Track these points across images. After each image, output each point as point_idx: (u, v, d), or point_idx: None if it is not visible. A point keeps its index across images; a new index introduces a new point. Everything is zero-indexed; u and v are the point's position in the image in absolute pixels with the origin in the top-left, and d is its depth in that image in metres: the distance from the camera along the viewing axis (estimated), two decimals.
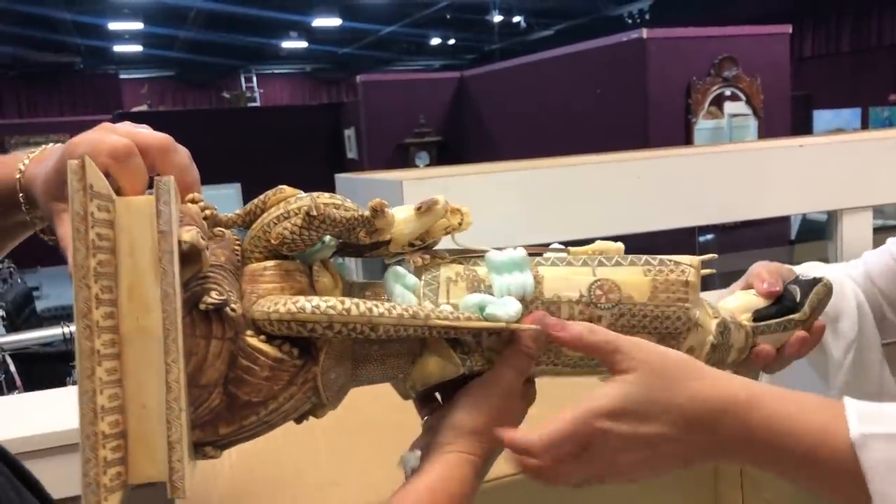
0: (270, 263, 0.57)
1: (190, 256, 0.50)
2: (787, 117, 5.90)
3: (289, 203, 0.58)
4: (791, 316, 0.72)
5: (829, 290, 0.74)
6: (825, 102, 11.46)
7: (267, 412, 0.55)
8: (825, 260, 1.97)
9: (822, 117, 11.33)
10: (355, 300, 0.55)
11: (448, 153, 8.06)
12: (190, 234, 0.49)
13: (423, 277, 0.63)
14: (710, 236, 4.24)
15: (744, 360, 0.71)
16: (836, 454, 0.52)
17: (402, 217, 0.64)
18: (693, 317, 0.64)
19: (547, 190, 1.42)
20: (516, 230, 1.37)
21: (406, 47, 16.30)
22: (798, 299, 0.73)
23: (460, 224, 0.66)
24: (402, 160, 7.95)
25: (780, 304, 0.74)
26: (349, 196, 0.62)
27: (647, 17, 12.57)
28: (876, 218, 3.08)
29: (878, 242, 2.48)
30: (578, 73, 6.24)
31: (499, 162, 1.97)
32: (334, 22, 13.39)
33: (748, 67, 5.65)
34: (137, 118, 0.50)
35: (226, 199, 10.56)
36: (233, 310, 0.51)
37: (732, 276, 0.83)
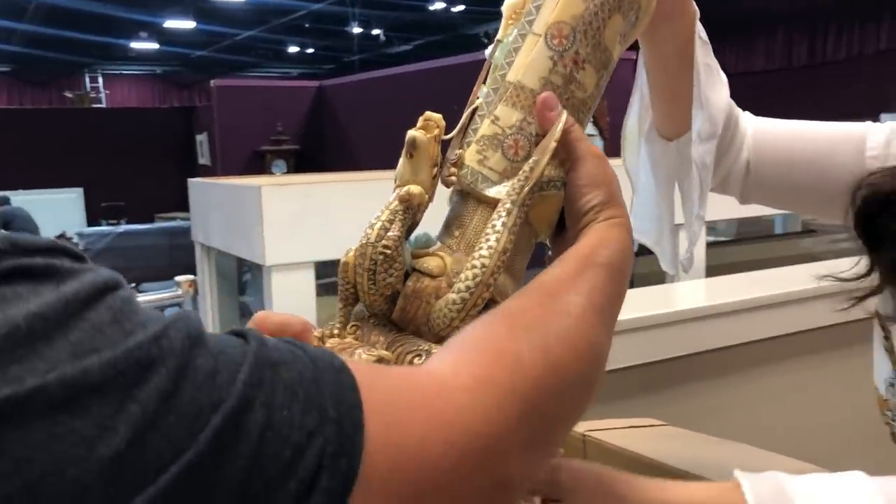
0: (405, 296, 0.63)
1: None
2: None
3: (366, 265, 0.63)
4: None
5: None
6: None
7: None
8: (661, 273, 2.09)
9: None
10: (469, 263, 0.61)
11: (306, 162, 7.95)
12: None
13: (469, 181, 0.66)
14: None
15: None
16: None
17: (408, 174, 0.65)
18: None
19: None
20: None
21: (263, 53, 16.01)
22: None
23: (439, 128, 0.66)
24: (258, 168, 7.78)
25: None
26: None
27: None
28: (709, 235, 3.32)
29: (711, 257, 2.65)
30: (435, 88, 6.34)
31: (361, 171, 1.99)
32: (188, 24, 12.97)
33: None
34: None
35: (67, 204, 9.96)
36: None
37: None
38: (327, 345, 0.63)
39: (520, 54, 0.66)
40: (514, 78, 0.66)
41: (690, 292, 1.79)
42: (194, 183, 2.18)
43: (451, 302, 0.61)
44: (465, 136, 0.67)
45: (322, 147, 8.04)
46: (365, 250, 0.62)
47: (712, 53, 0.88)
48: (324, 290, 2.35)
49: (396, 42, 14.53)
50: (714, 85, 0.89)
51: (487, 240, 0.61)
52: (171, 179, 8.78)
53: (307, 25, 13.07)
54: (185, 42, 14.78)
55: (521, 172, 0.63)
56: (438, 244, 0.66)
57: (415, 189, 0.64)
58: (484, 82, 0.69)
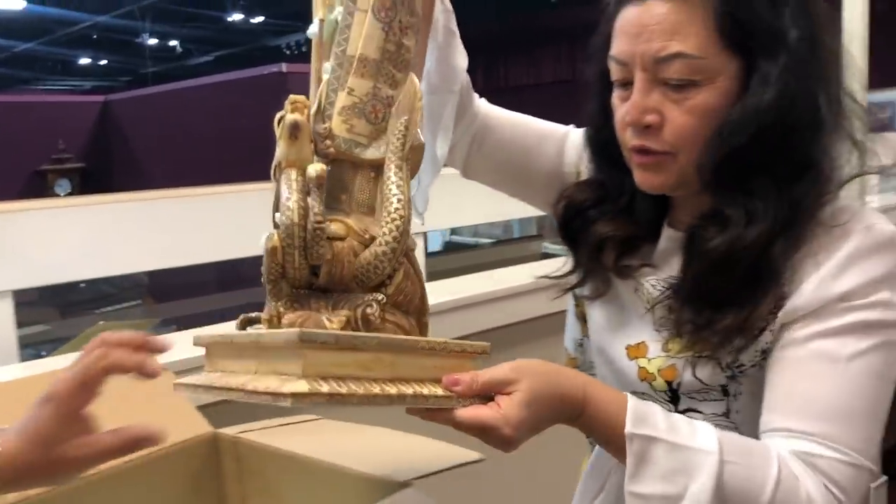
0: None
1: None
2: None
3: (296, 244, 0.69)
4: None
5: None
6: None
7: None
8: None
9: None
10: (387, 218, 0.70)
11: (93, 180, 7.61)
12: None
13: (344, 148, 0.73)
14: None
15: None
16: (621, 441, 0.76)
17: (293, 155, 0.71)
18: None
19: (114, 223, 1.47)
20: (84, 263, 1.40)
21: (51, 66, 15.05)
22: None
23: (307, 107, 0.73)
24: (40, 188, 7.36)
25: None
26: None
27: (304, 49, 12.93)
28: (478, 236, 3.54)
29: (460, 259, 2.80)
30: (224, 102, 6.27)
31: (81, 196, 1.97)
32: None
33: None
34: None
35: None
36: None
37: None
38: (285, 321, 0.68)
39: (353, 30, 0.73)
40: (355, 52, 0.73)
41: (430, 291, 1.92)
42: None
43: (381, 254, 0.69)
44: (324, 110, 0.74)
45: (110, 164, 7.71)
46: (292, 231, 0.68)
47: (455, 22, 0.98)
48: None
49: (196, 54, 14.14)
50: (453, 48, 0.99)
51: (394, 194, 0.70)
52: None
53: (95, 37, 12.44)
54: None
55: (397, 132, 0.72)
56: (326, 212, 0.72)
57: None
58: (321, 60, 0.77)
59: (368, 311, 0.69)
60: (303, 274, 0.70)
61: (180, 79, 7.72)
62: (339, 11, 0.76)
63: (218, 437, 1.05)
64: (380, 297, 0.70)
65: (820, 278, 0.81)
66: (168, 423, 1.05)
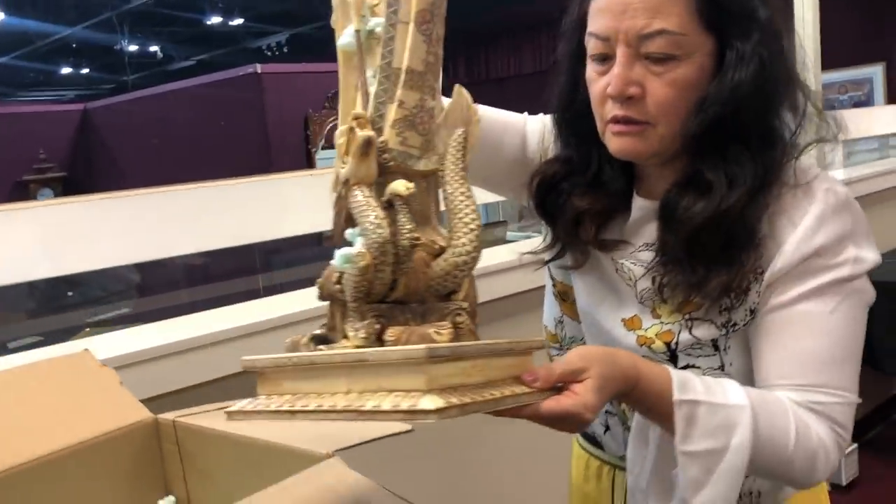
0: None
1: None
2: None
3: (389, 260, 0.70)
4: None
5: None
6: None
7: None
8: None
9: None
10: (464, 229, 0.72)
11: (75, 188, 7.63)
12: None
13: (400, 161, 0.73)
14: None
15: None
16: (668, 409, 0.83)
17: (363, 171, 0.71)
18: None
19: (65, 224, 1.51)
20: (35, 265, 1.45)
21: (32, 77, 14.99)
22: None
23: (368, 122, 0.73)
24: (23, 198, 7.37)
25: None
26: None
27: (285, 49, 12.91)
28: None
29: None
30: (201, 105, 6.29)
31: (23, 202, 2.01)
32: None
33: None
34: None
35: None
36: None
37: None
38: (389, 337, 0.69)
39: (397, 42, 0.74)
40: (402, 64, 0.74)
41: None
42: None
43: (462, 263, 0.71)
44: (374, 123, 0.74)
45: (91, 171, 7.73)
46: (384, 248, 0.69)
47: None
48: None
49: (176, 58, 14.11)
50: None
51: (465, 204, 0.72)
52: None
53: (75, 46, 12.41)
54: None
55: (455, 143, 0.73)
56: None
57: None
58: (356, 70, 0.77)
59: (459, 319, 0.71)
60: (385, 288, 0.71)
61: (163, 84, 7.74)
62: (375, 22, 0.76)
63: (158, 422, 1.09)
64: (465, 305, 0.72)
65: (798, 239, 0.90)
66: (109, 411, 1.09)
